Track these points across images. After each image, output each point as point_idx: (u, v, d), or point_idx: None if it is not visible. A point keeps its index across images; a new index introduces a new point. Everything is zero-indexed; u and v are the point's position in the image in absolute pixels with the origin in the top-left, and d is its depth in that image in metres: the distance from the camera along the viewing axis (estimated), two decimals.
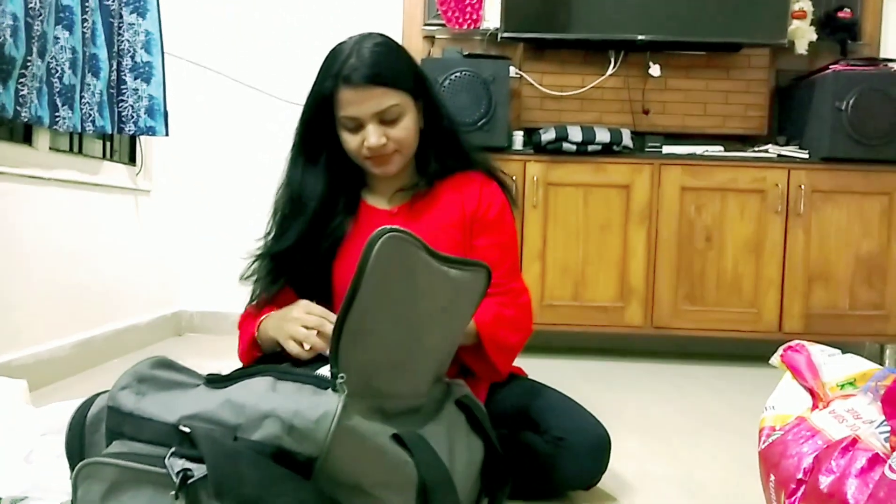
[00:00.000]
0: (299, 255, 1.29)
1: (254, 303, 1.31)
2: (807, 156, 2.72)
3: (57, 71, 1.98)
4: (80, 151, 2.37)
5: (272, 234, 1.32)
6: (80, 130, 2.13)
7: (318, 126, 1.28)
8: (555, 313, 2.70)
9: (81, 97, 2.14)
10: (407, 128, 1.27)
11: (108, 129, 2.29)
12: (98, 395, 0.81)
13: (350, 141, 1.27)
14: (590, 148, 2.67)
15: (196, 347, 2.77)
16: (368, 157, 1.28)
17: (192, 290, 3.02)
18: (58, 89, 1.99)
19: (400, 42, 2.93)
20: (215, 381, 0.77)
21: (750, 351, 2.88)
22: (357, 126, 1.25)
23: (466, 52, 2.77)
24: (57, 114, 2.00)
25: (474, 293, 1.01)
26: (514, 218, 1.41)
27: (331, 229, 1.30)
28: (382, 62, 1.23)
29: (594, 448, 1.23)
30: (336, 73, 1.22)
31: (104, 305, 2.41)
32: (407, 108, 1.27)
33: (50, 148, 2.16)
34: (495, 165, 1.44)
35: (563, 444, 1.23)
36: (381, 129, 1.25)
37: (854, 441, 0.95)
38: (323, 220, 1.30)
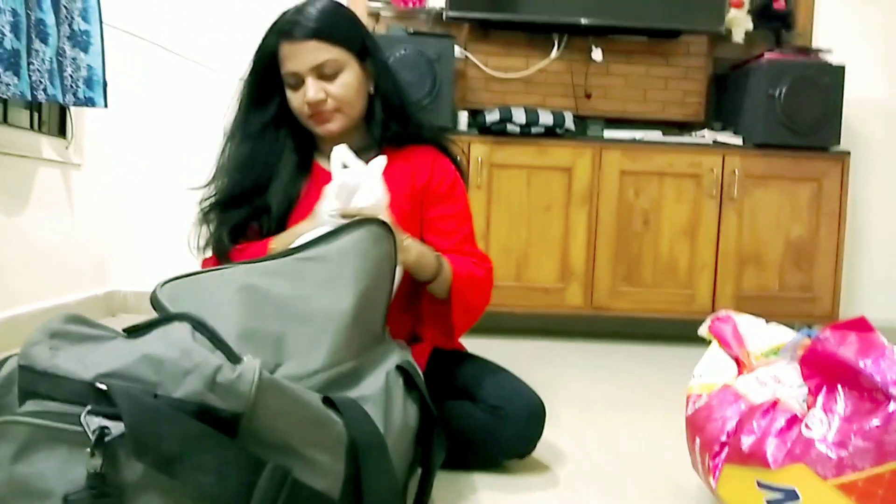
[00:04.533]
0: (252, 210, 1.28)
1: (216, 249, 1.28)
2: (741, 142, 2.79)
3: None
4: (5, 121, 2.26)
5: (225, 188, 1.30)
6: (30, 99, 2.02)
7: (266, 84, 1.29)
8: (497, 294, 2.65)
9: (30, 63, 2.02)
10: (346, 84, 1.27)
11: (60, 99, 2.18)
12: (8, 357, 0.78)
13: (293, 99, 1.29)
14: (533, 130, 2.68)
15: None
16: (310, 115, 1.28)
17: (126, 270, 2.92)
18: None
19: None
20: (133, 330, 0.74)
21: (684, 331, 2.94)
22: (298, 82, 1.27)
23: (412, 31, 2.74)
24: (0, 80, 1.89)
25: (370, 249, 1.01)
26: (466, 191, 1.42)
27: (285, 187, 1.29)
28: (323, 18, 1.25)
29: (529, 415, 1.25)
30: (278, 29, 1.26)
31: (31, 282, 2.31)
32: (346, 65, 1.27)
33: None
34: (448, 140, 1.44)
35: (499, 412, 1.24)
36: (319, 84, 1.26)
37: (775, 403, 0.99)
38: (278, 176, 1.30)
